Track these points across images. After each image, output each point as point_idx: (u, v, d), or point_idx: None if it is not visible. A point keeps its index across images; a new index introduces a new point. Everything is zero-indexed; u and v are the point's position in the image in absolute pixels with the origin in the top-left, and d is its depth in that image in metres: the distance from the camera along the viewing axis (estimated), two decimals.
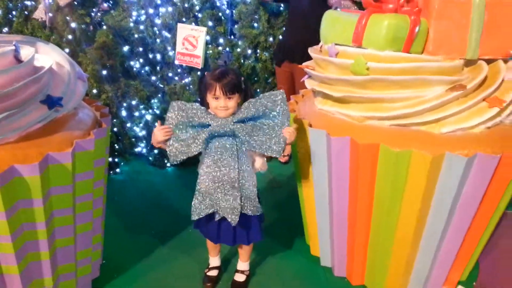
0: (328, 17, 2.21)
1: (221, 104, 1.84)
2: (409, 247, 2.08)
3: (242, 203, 1.89)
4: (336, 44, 2.10)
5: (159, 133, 1.87)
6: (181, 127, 1.87)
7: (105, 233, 2.37)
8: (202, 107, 1.88)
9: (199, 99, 2.03)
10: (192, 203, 1.95)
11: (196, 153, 1.88)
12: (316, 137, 2.08)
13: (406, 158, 1.85)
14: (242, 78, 1.91)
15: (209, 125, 1.85)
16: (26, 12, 3.43)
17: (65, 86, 1.93)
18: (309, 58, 2.42)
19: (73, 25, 3.26)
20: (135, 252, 2.52)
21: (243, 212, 1.90)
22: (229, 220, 1.90)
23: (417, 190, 1.90)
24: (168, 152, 1.89)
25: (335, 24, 2.15)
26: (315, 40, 2.50)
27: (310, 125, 2.13)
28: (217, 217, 1.95)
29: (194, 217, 1.96)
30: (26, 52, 1.89)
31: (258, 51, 3.64)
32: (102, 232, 2.29)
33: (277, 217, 2.92)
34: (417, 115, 1.92)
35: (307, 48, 2.54)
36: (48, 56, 2.03)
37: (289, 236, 2.71)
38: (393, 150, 1.84)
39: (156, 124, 1.91)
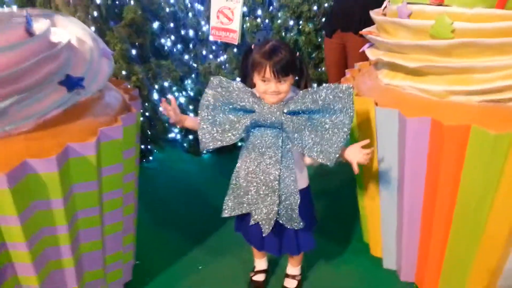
0: None
1: (271, 88, 1.48)
2: (500, 251, 1.71)
3: (279, 211, 1.59)
4: (408, 3, 1.71)
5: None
6: (218, 108, 1.55)
7: (137, 231, 2.12)
8: (247, 88, 1.54)
9: (240, 77, 1.69)
10: (225, 198, 1.68)
11: (232, 142, 1.56)
12: (385, 118, 1.73)
13: (506, 143, 1.47)
14: (298, 55, 1.55)
15: (253, 111, 1.51)
16: None
17: (87, 65, 1.64)
18: (365, 26, 2.05)
19: (98, 0, 2.98)
20: (171, 251, 2.27)
21: (279, 221, 1.60)
22: (262, 228, 1.61)
23: None
24: (199, 136, 1.58)
25: None
26: (376, 4, 2.12)
27: (376, 104, 1.77)
28: (251, 222, 1.64)
29: (225, 214, 1.69)
30: (40, 25, 1.60)
31: (301, 22, 3.27)
32: (134, 231, 2.02)
33: (330, 211, 2.59)
34: None
35: (366, 15, 2.16)
36: (67, 31, 1.74)
37: (344, 233, 2.39)
38: (490, 132, 1.46)
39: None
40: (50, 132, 1.46)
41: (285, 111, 1.49)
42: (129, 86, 1.97)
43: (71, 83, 1.53)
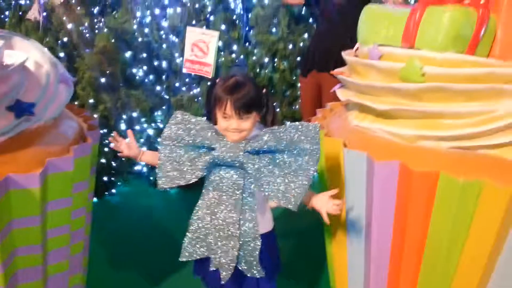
0: (368, 12, 1.81)
1: (232, 125, 1.38)
2: None
3: (239, 257, 1.48)
4: (379, 45, 1.69)
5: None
6: (179, 144, 1.45)
7: (91, 270, 1.98)
8: (210, 125, 1.45)
9: (205, 112, 1.61)
10: (183, 240, 1.56)
11: (191, 182, 1.44)
12: (353, 160, 1.66)
13: (475, 191, 1.42)
14: (264, 91, 1.47)
15: (214, 149, 1.42)
16: (20, 13, 3.10)
17: (41, 90, 1.55)
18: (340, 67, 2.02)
19: (69, 26, 2.91)
20: None
21: (239, 268, 1.49)
22: (221, 274, 1.50)
23: (487, 229, 1.47)
24: (157, 173, 1.47)
25: (377, 20, 1.74)
26: (352, 47, 2.11)
27: (345, 145, 1.71)
28: (211, 267, 1.53)
29: (182, 258, 1.56)
30: None
31: (276, 59, 3.26)
32: (84, 271, 1.87)
33: (296, 254, 2.48)
34: (486, 135, 1.51)
35: (338, 56, 2.15)
36: (24, 53, 1.65)
37: (311, 278, 2.27)
38: (458, 180, 1.41)
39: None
40: None
41: (247, 149, 1.40)
42: (88, 115, 1.86)
43: (20, 109, 1.43)
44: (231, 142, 1.40)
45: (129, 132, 1.57)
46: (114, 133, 1.60)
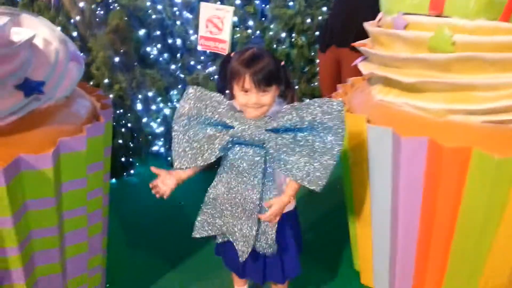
0: None
1: (252, 99, 1.31)
2: (503, 283, 1.55)
3: (256, 235, 1.43)
4: (404, 14, 1.58)
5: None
6: (194, 122, 1.38)
7: (111, 251, 1.97)
8: (226, 100, 1.38)
9: (218, 89, 1.54)
10: (197, 217, 1.52)
11: (209, 162, 1.38)
12: (378, 136, 1.58)
13: (511, 168, 1.33)
14: (282, 63, 1.39)
15: (232, 126, 1.35)
16: None
17: (50, 68, 1.49)
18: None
19: (81, 4, 2.85)
20: (147, 274, 2.09)
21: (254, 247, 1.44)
22: (238, 252, 1.44)
23: None
24: (173, 154, 1.41)
25: None
26: (373, 19, 1.99)
27: (368, 121, 1.62)
28: (219, 239, 1.50)
29: (195, 234, 1.52)
30: None
31: (294, 34, 3.14)
32: (103, 252, 1.85)
33: (318, 235, 2.42)
34: None
35: (363, 30, 2.03)
36: (31, 30, 1.59)
37: (333, 259, 2.21)
38: (493, 157, 1.32)
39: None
40: (2, 141, 1.30)
41: (268, 127, 1.33)
42: (102, 93, 1.81)
43: (29, 87, 1.38)
44: (251, 119, 1.33)
45: (153, 169, 1.48)
46: (151, 185, 1.47)
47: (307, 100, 1.32)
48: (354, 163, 1.80)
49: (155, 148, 3.22)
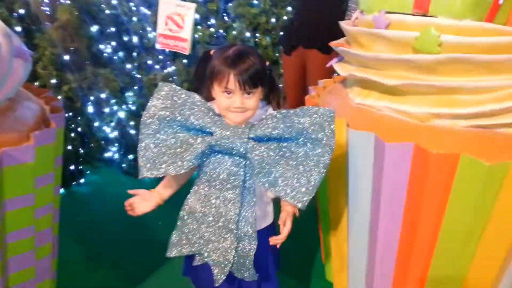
0: None
1: (236, 102, 1.16)
2: None
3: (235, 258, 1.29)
4: (386, 12, 1.50)
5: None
6: (167, 125, 1.20)
7: (62, 273, 1.77)
8: (205, 102, 1.21)
9: (193, 88, 1.37)
10: (172, 234, 1.34)
11: (182, 172, 1.21)
12: (359, 142, 1.50)
13: (500, 174, 1.28)
14: (267, 63, 1.26)
15: (211, 132, 1.20)
16: None
17: None
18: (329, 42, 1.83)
19: None
20: None
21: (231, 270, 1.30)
22: (214, 275, 1.29)
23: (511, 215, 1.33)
24: (139, 160, 1.22)
25: None
26: (339, 18, 1.92)
27: (348, 126, 1.53)
28: (196, 262, 1.34)
29: (171, 253, 1.34)
30: None
31: (258, 34, 3.02)
32: (53, 276, 1.64)
33: (290, 245, 2.30)
34: (508, 112, 1.38)
35: (332, 31, 1.95)
36: None
37: (305, 271, 2.11)
38: (484, 163, 1.25)
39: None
40: None
41: (251, 135, 1.18)
42: (55, 96, 1.60)
43: None
44: (232, 125, 1.18)
45: (131, 192, 1.33)
46: (126, 203, 1.32)
47: (295, 109, 1.18)
48: (330, 169, 1.69)
49: (108, 154, 3.01)
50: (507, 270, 1.46)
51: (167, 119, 1.18)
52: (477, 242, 1.41)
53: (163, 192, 1.33)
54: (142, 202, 1.31)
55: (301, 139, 1.17)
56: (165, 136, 1.20)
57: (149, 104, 1.20)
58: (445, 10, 1.38)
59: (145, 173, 1.21)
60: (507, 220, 1.34)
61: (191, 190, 1.30)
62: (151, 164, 1.21)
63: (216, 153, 1.21)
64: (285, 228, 1.29)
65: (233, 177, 1.20)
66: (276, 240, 1.29)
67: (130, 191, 1.33)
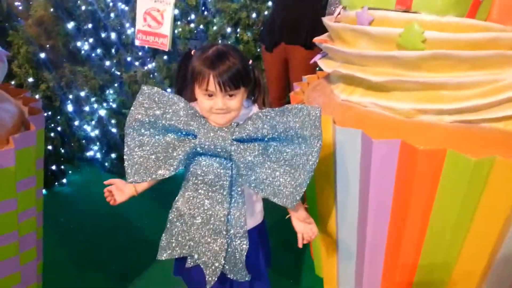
0: None
1: (217, 104, 1.14)
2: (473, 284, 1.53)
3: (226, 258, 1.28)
4: (369, 8, 1.50)
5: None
6: (150, 128, 1.18)
7: (47, 275, 1.73)
8: (189, 104, 1.19)
9: (176, 90, 1.34)
10: (162, 236, 1.33)
11: (168, 175, 1.19)
12: (346, 139, 1.50)
13: (486, 168, 1.29)
14: (250, 62, 1.23)
15: (194, 134, 1.17)
16: None
17: None
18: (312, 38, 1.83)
19: None
20: None
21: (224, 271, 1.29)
22: (206, 275, 1.28)
23: (497, 208, 1.36)
24: (125, 166, 1.19)
25: None
26: (320, 14, 1.91)
27: (334, 122, 1.53)
28: (188, 264, 1.32)
29: (161, 256, 1.33)
30: None
31: (239, 30, 2.99)
32: (38, 280, 1.60)
33: (279, 241, 2.30)
34: (492, 107, 1.39)
35: (314, 26, 1.93)
36: None
37: (295, 266, 2.12)
38: (470, 158, 1.27)
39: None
40: None
41: (235, 136, 1.16)
42: (29, 96, 1.55)
43: None
44: (216, 127, 1.16)
45: (107, 182, 1.33)
46: (106, 191, 1.32)
47: (280, 108, 1.17)
48: (317, 166, 1.69)
49: (89, 153, 2.95)
50: (493, 263, 1.49)
51: (151, 122, 1.16)
52: (465, 236, 1.43)
53: (140, 186, 1.33)
54: (117, 192, 1.31)
55: (287, 138, 1.15)
56: (150, 140, 1.18)
57: (132, 108, 1.17)
58: (428, 6, 1.38)
59: (131, 178, 1.20)
60: (493, 213, 1.36)
61: (179, 193, 1.28)
62: (137, 169, 1.19)
63: (201, 155, 1.19)
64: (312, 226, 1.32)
65: (220, 179, 1.19)
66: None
67: (106, 182, 1.34)
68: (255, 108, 1.28)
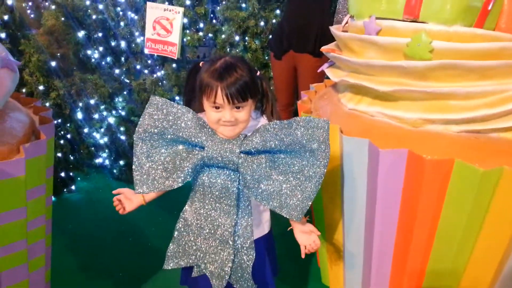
0: None
1: (226, 116, 1.14)
2: None
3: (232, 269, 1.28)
4: (376, 18, 1.50)
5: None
6: (159, 139, 1.19)
7: (54, 279, 1.74)
8: (197, 116, 1.19)
9: (184, 102, 1.35)
10: (169, 246, 1.33)
11: (176, 186, 1.20)
12: (353, 148, 1.50)
13: (494, 179, 1.29)
14: (258, 73, 1.24)
15: (202, 146, 1.18)
16: None
17: None
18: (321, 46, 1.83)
19: (10, 1, 2.53)
20: None
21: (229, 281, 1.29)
22: (212, 285, 1.28)
23: (505, 219, 1.35)
24: (134, 176, 1.21)
25: None
26: (329, 22, 1.90)
27: (341, 132, 1.53)
28: (194, 274, 1.33)
29: (168, 265, 1.33)
30: None
31: (247, 38, 3.00)
32: (47, 286, 1.61)
33: (284, 249, 2.30)
34: (501, 117, 1.38)
35: (322, 34, 1.92)
36: None
37: (301, 275, 2.11)
38: (478, 168, 1.26)
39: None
40: None
41: (242, 149, 1.16)
42: (39, 105, 1.57)
43: None
44: (224, 139, 1.17)
45: (115, 192, 1.34)
46: (115, 199, 1.33)
47: (287, 120, 1.16)
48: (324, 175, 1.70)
49: (98, 160, 2.96)
50: (502, 271, 1.47)
51: (159, 133, 1.17)
52: (472, 246, 1.42)
53: (148, 196, 1.34)
54: (126, 201, 1.32)
55: (295, 151, 1.15)
56: (158, 151, 1.19)
57: (141, 119, 1.18)
58: (435, 16, 1.38)
59: (140, 188, 1.21)
60: (502, 223, 1.35)
61: (187, 203, 1.29)
62: (145, 179, 1.20)
63: (209, 167, 1.19)
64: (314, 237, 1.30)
65: (227, 191, 1.19)
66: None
67: (115, 191, 1.34)
68: (263, 120, 1.28)
